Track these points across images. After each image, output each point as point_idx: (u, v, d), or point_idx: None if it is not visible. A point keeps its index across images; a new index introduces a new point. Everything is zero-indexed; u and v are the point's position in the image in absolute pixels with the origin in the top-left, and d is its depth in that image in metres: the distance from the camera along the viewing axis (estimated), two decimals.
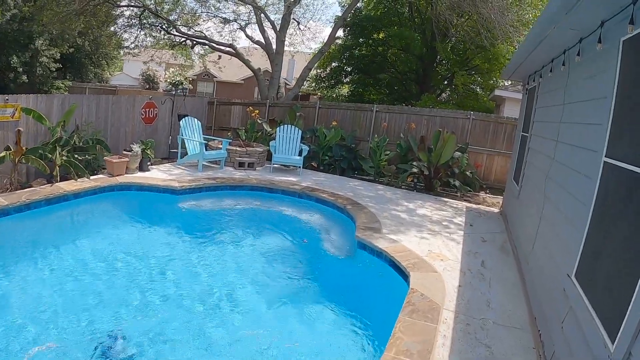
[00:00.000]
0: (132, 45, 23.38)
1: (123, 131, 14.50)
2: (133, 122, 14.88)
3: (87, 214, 9.92)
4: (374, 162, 14.44)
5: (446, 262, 7.53)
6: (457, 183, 12.89)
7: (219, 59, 33.51)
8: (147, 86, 24.74)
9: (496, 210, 11.95)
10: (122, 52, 26.35)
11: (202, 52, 26.19)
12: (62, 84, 22.01)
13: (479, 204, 12.39)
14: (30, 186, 9.95)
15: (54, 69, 19.92)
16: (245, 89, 38.48)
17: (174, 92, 15.78)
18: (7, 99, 10.96)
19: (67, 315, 5.91)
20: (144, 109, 15.13)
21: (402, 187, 13.56)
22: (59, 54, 19.75)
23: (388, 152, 14.52)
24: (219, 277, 7.45)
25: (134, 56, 24.09)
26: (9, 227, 8.44)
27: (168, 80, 20.55)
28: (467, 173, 13.35)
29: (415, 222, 9.79)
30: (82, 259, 7.63)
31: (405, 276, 6.93)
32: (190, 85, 33.16)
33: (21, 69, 18.30)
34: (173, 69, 20.12)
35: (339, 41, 26.58)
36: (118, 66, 42.55)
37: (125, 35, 22.70)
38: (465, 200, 12.64)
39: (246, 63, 21.55)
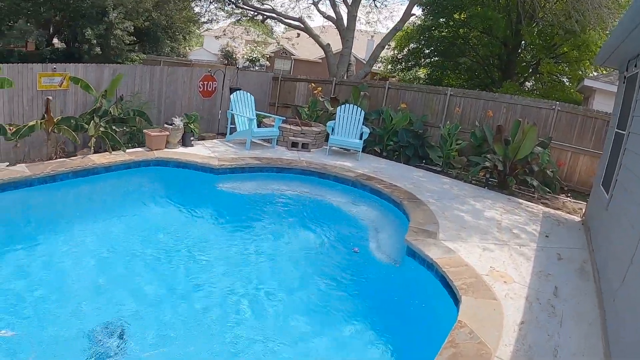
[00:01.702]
0: (203, 20, 23.33)
1: (179, 104, 14.28)
2: (189, 95, 14.63)
3: (115, 189, 9.64)
4: (443, 151, 13.14)
5: (510, 285, 6.11)
6: (535, 182, 11.04)
7: (297, 36, 33.02)
8: (226, 62, 24.58)
9: (577, 219, 9.95)
10: (195, 26, 26.49)
11: (274, 27, 25.78)
12: (137, 56, 22.29)
13: (558, 209, 10.53)
14: (75, 156, 9.83)
15: (128, 42, 20.05)
16: (323, 68, 37.85)
17: (225, 65, 15.37)
18: (55, 68, 10.92)
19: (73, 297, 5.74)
20: (202, 82, 14.83)
21: (472, 182, 11.93)
22: (132, 27, 19.83)
23: (460, 142, 13.10)
24: (243, 272, 6.83)
25: (205, 30, 24.05)
26: (30, 198, 8.30)
27: (245, 57, 20.31)
28: (548, 172, 11.63)
29: (480, 227, 8.32)
30: (101, 237, 7.33)
31: (455, 300, 5.71)
32: (267, 62, 33.01)
33: (95, 41, 18.56)
34: (251, 46, 19.82)
35: (417, 21, 25.24)
36: (199, 42, 43.17)
37: (197, 9, 22.71)
38: (542, 203, 10.82)
39: (315, 38, 20.87)
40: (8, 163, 9.43)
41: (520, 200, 10.69)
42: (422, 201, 9.35)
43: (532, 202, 10.76)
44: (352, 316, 5.99)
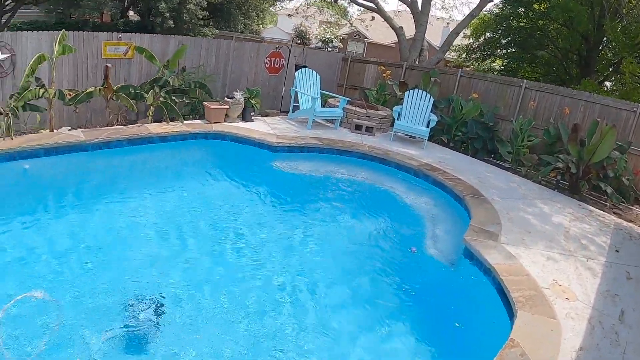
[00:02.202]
0: None
1: (244, 79, 14.07)
2: (255, 71, 14.39)
3: (169, 159, 9.55)
4: (514, 147, 12.20)
5: (572, 303, 5.47)
6: (608, 189, 9.92)
7: (372, 19, 32.32)
8: (299, 42, 24.38)
9: None
10: (268, 4, 26.29)
11: (347, 7, 25.22)
12: (210, 31, 22.33)
13: (631, 221, 9.35)
14: (134, 124, 9.81)
15: (201, 17, 20.08)
16: (395, 54, 36.91)
17: (291, 43, 15.00)
18: (120, 37, 10.89)
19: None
20: (269, 58, 14.56)
21: (541, 182, 10.91)
22: (206, 2, 19.82)
23: (532, 138, 12.12)
24: (288, 257, 6.52)
25: (279, 9, 23.78)
26: (83, 163, 8.29)
27: (319, 37, 19.88)
28: (623, 179, 10.45)
29: (546, 233, 7.55)
30: (150, 207, 7.26)
31: (510, 313, 5.20)
32: (340, 44, 32.48)
33: (168, 14, 18.61)
34: (324, 26, 19.41)
35: (495, 9, 23.98)
36: (272, 20, 43.13)
37: None
38: (614, 213, 9.65)
39: (388, 20, 20.17)
40: (70, 127, 9.53)
41: (591, 208, 9.61)
42: (486, 198, 8.66)
43: (604, 210, 9.64)
44: (394, 317, 5.51)
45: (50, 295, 5.09)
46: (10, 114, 8.59)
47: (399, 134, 12.95)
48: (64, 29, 9.22)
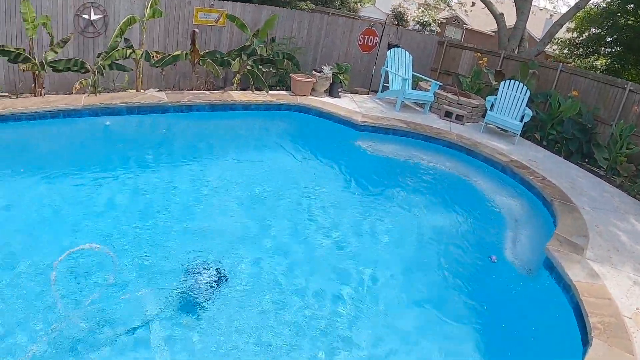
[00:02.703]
0: None
1: (335, 54, 13.65)
2: (348, 47, 13.93)
3: (250, 128, 9.32)
4: (611, 153, 10.95)
5: None
6: None
7: (472, 5, 30.91)
8: (396, 23, 23.79)
9: None
10: None
11: None
12: (306, 5, 22.04)
13: None
14: (219, 90, 9.67)
15: None
16: (493, 43, 35.28)
17: (384, 21, 14.36)
18: (212, 4, 10.75)
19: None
20: (362, 35, 14.03)
21: (637, 196, 9.85)
22: None
23: (632, 146, 10.82)
24: (357, 243, 6.09)
25: None
26: (162, 124, 8.26)
27: (416, 20, 19.30)
28: None
29: (636, 254, 6.59)
30: (223, 174, 7.13)
31: (585, 339, 4.57)
32: (438, 28, 31.38)
33: None
34: (423, 9, 18.80)
35: (602, 3, 22.10)
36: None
37: None
38: None
39: (488, 5, 19.01)
40: (158, 89, 9.52)
41: None
42: (576, 206, 7.69)
43: None
44: (459, 323, 4.99)
45: (111, 249, 5.10)
46: (96, 72, 8.75)
47: (490, 125, 12.01)
48: None
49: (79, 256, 4.97)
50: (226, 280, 4.91)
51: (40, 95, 9.21)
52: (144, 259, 5.04)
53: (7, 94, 9.76)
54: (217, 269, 5.02)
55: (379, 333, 4.66)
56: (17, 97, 9.41)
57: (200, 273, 4.94)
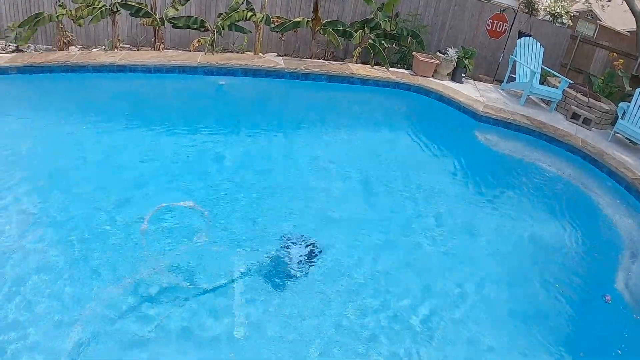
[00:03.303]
0: None
1: (461, 37, 12.80)
2: (475, 31, 13.02)
3: (364, 103, 8.86)
4: None
5: None
6: None
7: (609, 0, 28.58)
8: (526, 11, 22.32)
9: None
10: None
11: None
12: None
13: None
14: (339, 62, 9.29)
15: None
16: (629, 44, 32.49)
17: (516, 7, 13.25)
18: None
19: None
20: (491, 20, 13.04)
21: None
22: None
23: None
24: (455, 243, 5.48)
25: None
26: (276, 89, 8.17)
27: (547, 10, 18.08)
28: None
29: None
30: (329, 146, 6.86)
31: None
32: (570, 22, 29.26)
33: None
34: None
35: None
36: None
37: None
38: None
39: (629, 2, 17.29)
40: (277, 54, 9.31)
41: None
42: None
43: None
44: None
45: (207, 206, 5.19)
46: (215, 32, 8.73)
47: (618, 135, 10.63)
48: None
49: (174, 211, 5.12)
50: (318, 254, 4.78)
51: (159, 49, 9.20)
52: (240, 221, 5.08)
53: (128, 46, 9.88)
54: (312, 243, 4.88)
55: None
56: (137, 50, 9.49)
57: (295, 243, 4.87)
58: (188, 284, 4.26)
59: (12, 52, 10.01)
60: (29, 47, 10.30)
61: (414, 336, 4.07)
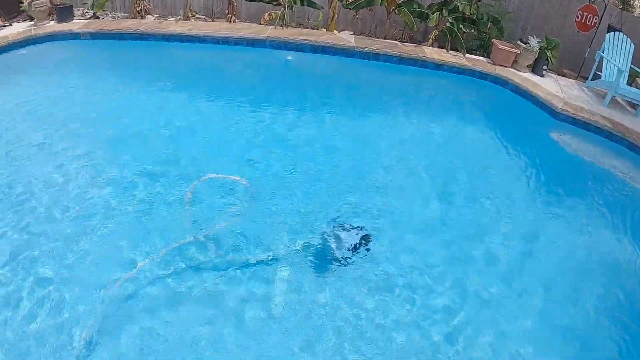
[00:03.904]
0: None
1: (547, 28, 12.03)
2: (563, 21, 12.25)
3: (436, 89, 8.48)
4: None
5: None
6: None
7: None
8: (621, 6, 21.08)
9: None
10: None
11: None
12: None
13: None
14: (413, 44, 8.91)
15: None
16: None
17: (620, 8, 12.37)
18: None
19: None
20: (580, 12, 12.25)
21: None
22: None
23: None
24: (519, 255, 5.03)
25: None
26: (345, 67, 8.00)
27: None
28: None
29: None
30: (391, 131, 6.67)
31: None
32: None
33: None
34: None
35: None
36: None
37: None
38: None
39: None
40: (352, 33, 9.09)
41: None
42: None
43: None
44: None
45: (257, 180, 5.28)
46: (287, 6, 8.62)
47: None
48: None
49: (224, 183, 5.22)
50: (368, 244, 4.60)
51: (231, 22, 9.14)
52: (294, 199, 5.08)
53: (203, 17, 9.89)
54: (365, 235, 4.67)
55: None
56: (212, 21, 9.50)
57: (347, 230, 4.70)
58: (226, 254, 4.37)
59: (89, 18, 10.22)
60: (106, 14, 10.47)
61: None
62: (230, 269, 4.22)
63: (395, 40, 8.88)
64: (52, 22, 10.06)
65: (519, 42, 9.66)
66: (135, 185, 5.13)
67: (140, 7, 9.82)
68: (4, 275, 3.98)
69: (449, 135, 7.10)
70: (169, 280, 4.07)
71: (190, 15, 9.54)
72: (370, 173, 5.63)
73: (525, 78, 9.15)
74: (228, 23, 9.12)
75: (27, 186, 4.96)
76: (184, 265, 4.20)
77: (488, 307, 4.23)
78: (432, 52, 8.41)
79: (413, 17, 8.65)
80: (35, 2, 10.11)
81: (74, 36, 9.48)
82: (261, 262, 4.30)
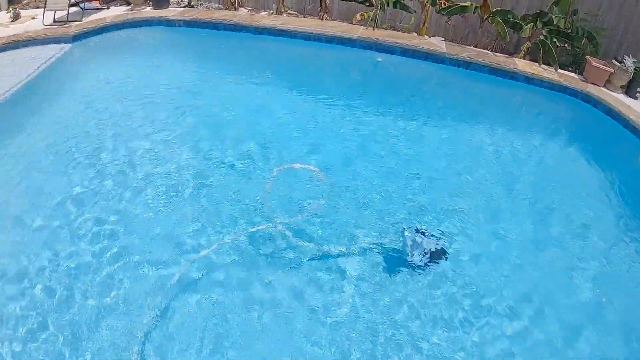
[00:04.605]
0: None
1: None
2: None
3: (524, 104, 8.22)
4: None
5: None
6: None
7: None
8: None
9: None
10: None
11: None
12: None
13: None
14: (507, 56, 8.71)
15: None
16: None
17: None
18: None
19: None
20: None
21: None
22: None
23: None
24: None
25: None
26: (433, 73, 7.97)
27: None
28: None
29: None
30: (475, 146, 6.52)
31: None
32: None
33: None
34: None
35: None
36: None
37: None
38: None
39: None
40: (444, 39, 9.06)
41: None
42: None
43: None
44: None
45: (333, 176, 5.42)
46: (379, 7, 8.68)
47: None
48: None
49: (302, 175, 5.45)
50: (443, 256, 4.53)
51: (322, 19, 9.25)
52: (370, 198, 5.16)
53: (295, 13, 10.06)
54: (442, 248, 4.61)
55: None
56: (304, 17, 9.65)
57: (426, 237, 4.65)
58: (299, 244, 4.51)
59: (184, 7, 10.57)
60: (200, 3, 10.80)
61: None
62: (304, 259, 4.36)
63: (487, 49, 8.73)
64: (147, 8, 10.49)
65: (613, 60, 9.30)
66: (221, 165, 5.60)
67: (235, 0, 10.09)
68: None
69: (535, 153, 6.90)
70: (236, 265, 4.29)
71: (282, 10, 9.73)
72: (451, 183, 5.59)
73: (617, 99, 8.80)
74: (319, 20, 9.24)
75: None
76: (253, 251, 4.41)
77: None
78: (523, 65, 8.23)
79: (506, 27, 8.49)
80: None
81: (169, 23, 9.87)
82: (334, 256, 4.40)
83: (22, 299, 3.84)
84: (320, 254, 4.40)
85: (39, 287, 3.96)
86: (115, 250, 4.34)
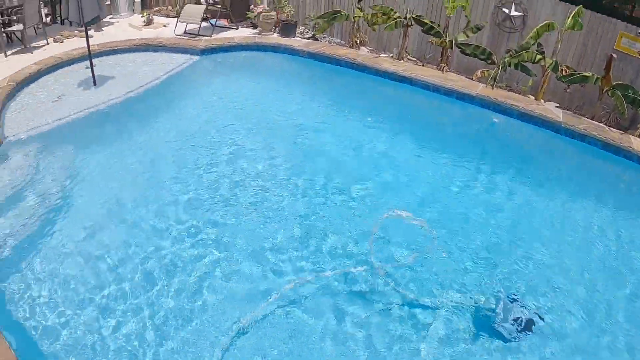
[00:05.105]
0: None
1: None
2: None
3: (632, 184, 7.77)
4: None
5: None
6: None
7: None
8: None
9: None
10: None
11: None
12: None
13: None
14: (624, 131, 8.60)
15: None
16: None
17: None
18: None
19: None
20: None
21: None
22: None
23: None
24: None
25: None
26: (551, 142, 8.00)
27: None
28: None
29: None
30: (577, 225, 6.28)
31: None
32: None
33: None
34: None
35: None
36: None
37: None
38: None
39: None
40: (558, 105, 9.09)
41: None
42: None
43: None
44: None
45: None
46: (500, 67, 8.86)
47: None
48: (582, 5, 8.63)
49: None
50: (533, 327, 4.44)
51: (442, 70, 9.57)
52: (469, 255, 5.30)
53: (414, 59, 10.44)
54: (536, 312, 4.60)
55: None
56: (422, 65, 9.98)
57: (518, 305, 4.56)
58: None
59: (308, 38, 11.21)
60: (324, 37, 11.41)
61: None
62: (394, 304, 4.56)
63: (600, 121, 8.75)
64: (275, 35, 11.20)
65: None
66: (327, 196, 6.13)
67: (358, 39, 10.59)
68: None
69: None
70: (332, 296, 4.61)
71: (404, 55, 10.11)
72: (555, 258, 5.47)
73: None
74: (440, 72, 9.54)
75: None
76: (347, 289, 4.69)
77: None
78: (639, 143, 8.20)
79: (625, 102, 8.48)
80: (264, 14, 11.32)
81: (294, 52, 10.53)
82: (423, 306, 4.54)
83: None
84: (411, 300, 4.58)
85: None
86: (214, 257, 5.01)
